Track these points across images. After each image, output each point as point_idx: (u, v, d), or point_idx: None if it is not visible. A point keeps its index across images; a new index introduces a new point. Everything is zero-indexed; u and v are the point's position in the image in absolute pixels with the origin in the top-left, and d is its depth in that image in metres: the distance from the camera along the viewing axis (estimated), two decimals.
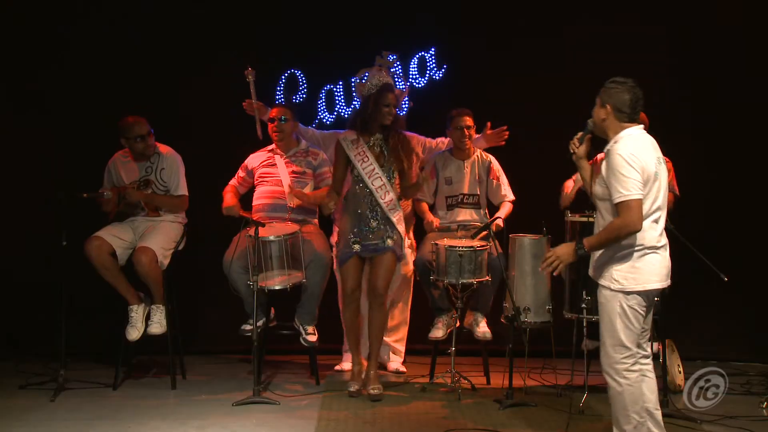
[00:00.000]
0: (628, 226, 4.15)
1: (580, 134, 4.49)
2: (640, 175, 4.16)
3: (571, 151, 4.51)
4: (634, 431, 4.25)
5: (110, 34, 6.91)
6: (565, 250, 4.34)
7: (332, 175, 5.97)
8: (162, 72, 6.88)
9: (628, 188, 4.14)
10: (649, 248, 4.24)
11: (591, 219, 4.59)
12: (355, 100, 6.74)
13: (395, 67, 6.45)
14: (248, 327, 5.89)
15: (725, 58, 6.83)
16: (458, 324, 5.97)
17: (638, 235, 4.21)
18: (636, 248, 4.23)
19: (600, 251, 4.30)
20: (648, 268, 4.25)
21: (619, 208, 4.16)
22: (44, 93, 6.90)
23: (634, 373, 4.23)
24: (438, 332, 6.10)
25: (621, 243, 4.22)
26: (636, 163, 4.17)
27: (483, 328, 6.15)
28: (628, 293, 4.23)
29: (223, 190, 6.35)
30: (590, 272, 4.43)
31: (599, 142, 4.49)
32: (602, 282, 4.31)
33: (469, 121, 6.33)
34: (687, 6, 6.87)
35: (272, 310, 6.24)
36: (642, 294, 4.25)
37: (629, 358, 4.24)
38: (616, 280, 4.24)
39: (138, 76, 6.87)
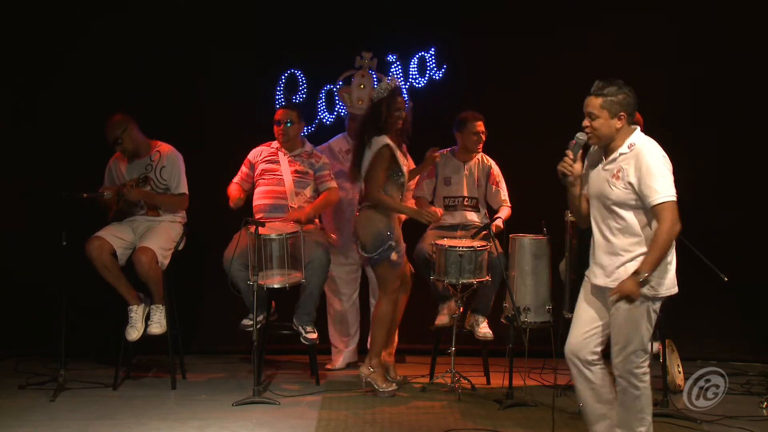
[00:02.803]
0: (676, 226, 4.05)
1: (569, 153, 4.27)
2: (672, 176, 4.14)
3: (566, 173, 4.28)
4: None
5: (111, 33, 6.91)
6: (630, 287, 4.07)
7: (375, 181, 5.67)
8: (162, 71, 6.89)
9: (669, 188, 4.08)
10: (671, 253, 4.22)
11: None
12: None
13: (395, 67, 6.47)
14: (248, 322, 5.90)
15: (725, 58, 6.83)
16: (458, 319, 5.96)
17: None
18: (668, 252, 4.18)
19: (624, 257, 4.17)
20: (672, 274, 4.23)
21: (661, 209, 4.05)
22: (44, 93, 6.91)
23: (648, 375, 4.22)
24: (444, 318, 6.08)
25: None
26: (668, 164, 4.16)
27: (484, 329, 6.14)
28: (658, 299, 4.19)
29: (223, 188, 6.34)
30: (603, 280, 4.24)
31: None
32: None
33: (482, 126, 6.34)
34: (687, 5, 6.87)
35: (273, 304, 6.22)
36: (666, 299, 4.22)
37: (646, 362, 4.21)
38: (652, 286, 4.14)
39: (138, 76, 6.87)
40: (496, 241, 5.75)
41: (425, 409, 5.53)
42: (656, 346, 5.60)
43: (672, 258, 4.22)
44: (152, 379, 6.28)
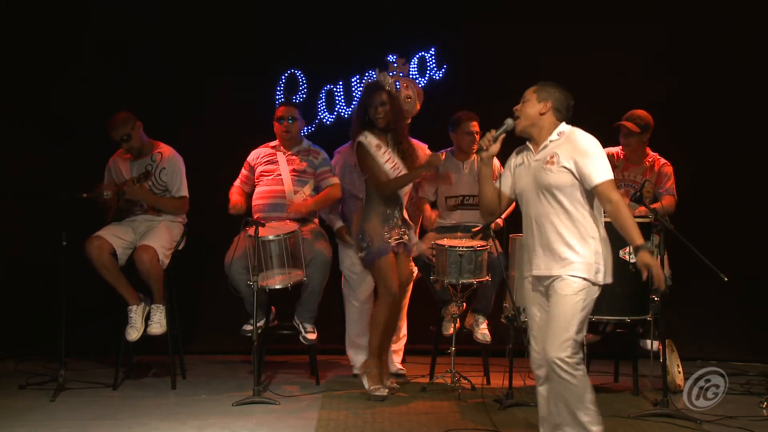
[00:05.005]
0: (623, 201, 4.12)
1: (494, 132, 4.39)
2: None
3: (484, 147, 4.38)
4: (592, 421, 4.13)
5: (111, 32, 6.92)
6: (651, 259, 4.08)
7: (373, 174, 5.71)
8: (163, 71, 6.89)
9: (608, 168, 4.16)
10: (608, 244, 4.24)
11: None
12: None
13: (393, 72, 6.48)
14: (249, 327, 5.89)
15: (727, 59, 6.83)
16: (458, 325, 5.97)
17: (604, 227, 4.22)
18: (606, 239, 4.21)
19: (568, 241, 4.15)
20: (611, 263, 4.23)
21: (607, 186, 4.11)
22: (45, 93, 6.91)
23: (582, 365, 4.14)
24: (450, 326, 6.05)
25: (600, 232, 4.19)
26: (601, 147, 4.23)
27: (483, 331, 6.13)
28: (599, 286, 4.18)
29: (224, 189, 6.33)
30: (543, 267, 4.20)
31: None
32: (575, 273, 4.12)
33: (477, 126, 6.32)
34: (687, 3, 6.88)
35: (272, 310, 6.23)
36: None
37: (579, 352, 4.14)
38: (597, 273, 4.15)
39: (139, 76, 6.88)
40: (496, 241, 5.75)
41: (425, 409, 5.52)
42: (656, 345, 5.61)
43: (610, 247, 4.24)
44: (152, 379, 6.28)
